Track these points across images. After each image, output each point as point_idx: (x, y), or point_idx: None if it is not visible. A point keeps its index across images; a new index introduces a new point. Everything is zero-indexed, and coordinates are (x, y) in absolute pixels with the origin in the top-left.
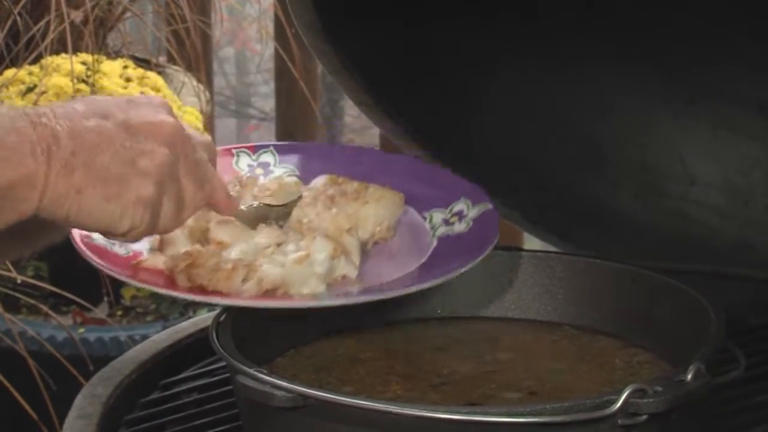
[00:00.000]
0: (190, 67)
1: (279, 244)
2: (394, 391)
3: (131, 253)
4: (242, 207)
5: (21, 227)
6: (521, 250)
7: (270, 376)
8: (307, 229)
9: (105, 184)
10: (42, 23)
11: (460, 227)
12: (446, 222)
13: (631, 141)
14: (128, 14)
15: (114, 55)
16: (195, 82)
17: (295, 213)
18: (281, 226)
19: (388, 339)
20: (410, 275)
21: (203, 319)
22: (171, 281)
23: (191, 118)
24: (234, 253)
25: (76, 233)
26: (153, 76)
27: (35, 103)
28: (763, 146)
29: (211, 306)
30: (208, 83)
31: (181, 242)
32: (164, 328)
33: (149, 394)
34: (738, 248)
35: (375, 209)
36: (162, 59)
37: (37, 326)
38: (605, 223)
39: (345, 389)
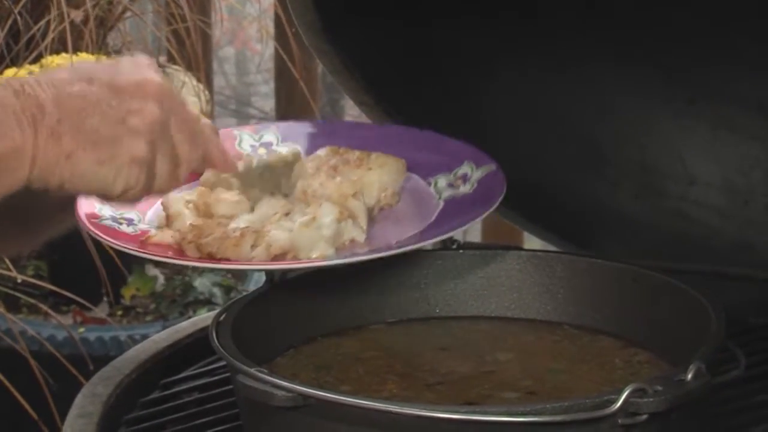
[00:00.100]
0: (190, 67)
1: (286, 214)
2: (390, 390)
3: (139, 231)
4: (241, 167)
5: (22, 216)
6: (521, 249)
7: (270, 376)
8: (312, 198)
9: (95, 146)
10: (42, 23)
11: (465, 189)
12: (451, 185)
13: (631, 141)
14: (128, 14)
15: (114, 54)
16: (195, 82)
17: (300, 184)
18: (287, 195)
19: (389, 338)
20: (418, 234)
21: (203, 318)
22: (180, 253)
23: None
24: (241, 222)
25: (83, 214)
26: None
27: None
28: (763, 146)
29: (214, 300)
30: (208, 83)
31: (187, 216)
32: (164, 327)
33: (149, 394)
34: (738, 248)
35: (379, 176)
36: (162, 59)
37: (37, 326)
38: (605, 223)
39: (343, 388)
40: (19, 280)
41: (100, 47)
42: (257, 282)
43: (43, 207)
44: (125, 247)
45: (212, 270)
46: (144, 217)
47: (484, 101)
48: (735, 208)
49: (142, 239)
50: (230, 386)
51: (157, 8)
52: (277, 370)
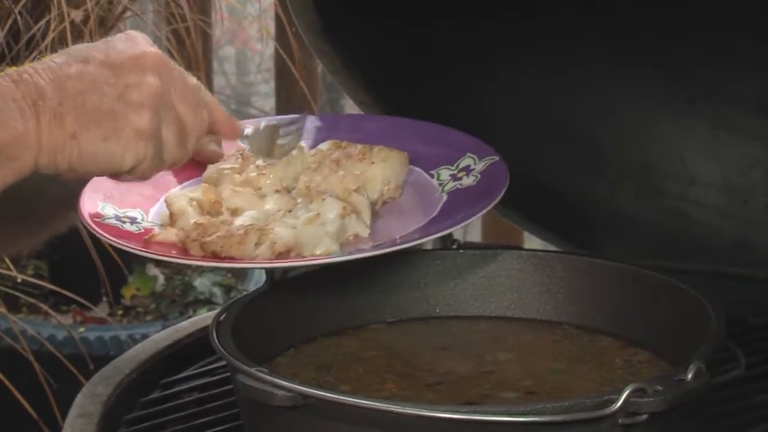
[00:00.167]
0: (190, 67)
1: (290, 210)
2: (389, 389)
3: (143, 230)
4: (248, 130)
5: (23, 214)
6: (521, 249)
7: (270, 376)
8: (315, 193)
9: (99, 124)
10: (42, 22)
11: (468, 180)
12: (454, 177)
13: (631, 141)
14: (128, 13)
15: None
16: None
17: (302, 178)
18: (287, 152)
19: (389, 338)
20: (422, 228)
21: (203, 318)
22: (184, 251)
23: None
24: (245, 220)
25: (86, 214)
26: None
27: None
28: (762, 146)
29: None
30: (208, 82)
31: (191, 215)
32: (164, 327)
33: (149, 394)
34: (738, 248)
35: (381, 169)
36: None
37: (37, 325)
38: (605, 223)
39: (342, 387)
40: (19, 280)
41: None
42: (257, 281)
43: (44, 204)
44: (129, 247)
45: (215, 269)
46: (147, 215)
47: (484, 101)
48: (735, 207)
49: (145, 238)
50: (230, 386)
51: (157, 8)
52: (277, 370)
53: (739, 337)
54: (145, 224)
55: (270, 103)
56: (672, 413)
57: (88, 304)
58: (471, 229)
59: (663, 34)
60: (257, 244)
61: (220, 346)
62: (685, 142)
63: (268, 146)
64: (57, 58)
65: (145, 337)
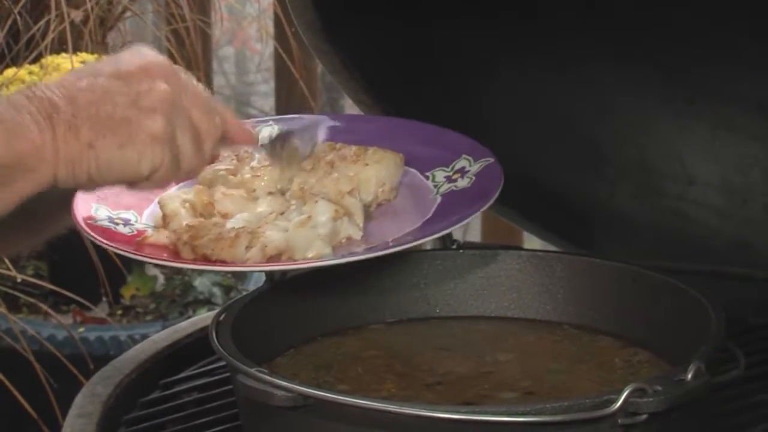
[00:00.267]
0: (189, 66)
1: (282, 213)
2: (388, 389)
3: (135, 232)
4: (264, 138)
5: (23, 215)
6: (521, 249)
7: (270, 376)
8: (308, 195)
9: (114, 131)
10: (42, 22)
11: (463, 182)
12: (449, 179)
13: (630, 141)
14: (128, 13)
15: (114, 54)
16: (195, 81)
17: (296, 180)
18: (303, 158)
19: (388, 338)
20: (415, 231)
21: (203, 318)
22: (175, 254)
23: None
24: (236, 222)
25: (80, 217)
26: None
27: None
28: (762, 146)
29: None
30: (208, 82)
31: (184, 216)
32: (164, 327)
33: (149, 394)
34: (737, 247)
35: (376, 171)
36: None
37: (37, 325)
38: (605, 223)
39: (341, 387)
40: (19, 280)
41: (100, 47)
42: (257, 282)
43: (43, 204)
44: (120, 249)
45: (210, 271)
46: (141, 216)
47: (484, 101)
48: (734, 207)
49: (138, 240)
50: (230, 386)
51: (157, 8)
52: (277, 370)
53: (739, 337)
54: (138, 226)
55: (269, 103)
56: (672, 413)
57: (87, 304)
58: (470, 229)
59: (663, 34)
60: (248, 247)
61: (219, 347)
62: (684, 142)
63: (289, 154)
64: (66, 76)
65: (144, 337)
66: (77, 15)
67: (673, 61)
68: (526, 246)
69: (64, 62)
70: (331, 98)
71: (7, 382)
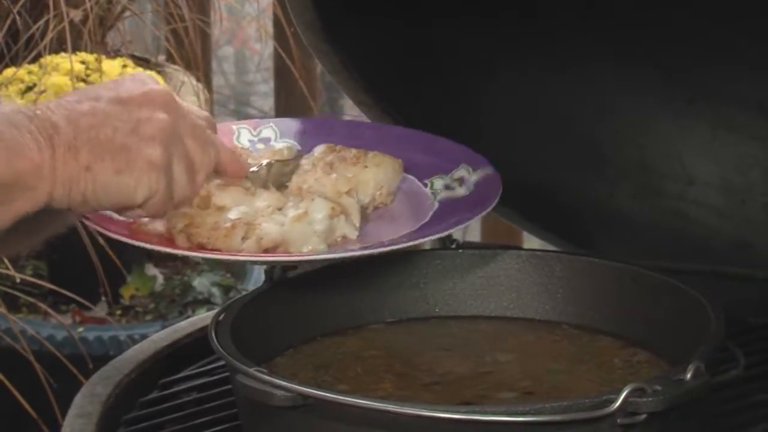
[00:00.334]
0: (189, 66)
1: (279, 208)
2: (385, 389)
3: (131, 219)
4: (254, 169)
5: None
6: (520, 249)
7: (269, 376)
8: (306, 194)
9: (112, 156)
10: (41, 22)
11: (461, 191)
12: (448, 187)
13: (630, 141)
14: (127, 13)
15: (113, 54)
16: (194, 81)
17: (295, 179)
18: (286, 183)
19: (388, 338)
20: (411, 233)
21: (202, 318)
22: (170, 241)
23: None
24: (233, 214)
25: None
26: (152, 75)
27: (35, 103)
28: (761, 146)
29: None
30: (207, 82)
31: None
32: (163, 327)
33: (148, 394)
34: (736, 247)
35: (374, 174)
36: (161, 58)
37: (36, 325)
38: (604, 223)
39: (340, 387)
40: (18, 280)
41: (100, 47)
42: (257, 281)
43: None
44: (115, 234)
45: (207, 264)
46: None
47: (484, 101)
48: (733, 207)
49: (133, 227)
50: (229, 386)
51: (156, 8)
52: (277, 370)
53: (739, 337)
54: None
55: (269, 103)
56: (671, 413)
57: (87, 303)
58: (470, 229)
59: (663, 34)
60: (244, 239)
61: (219, 346)
62: (684, 142)
63: (266, 179)
64: (68, 96)
65: (144, 337)
66: (76, 14)
67: (673, 61)
68: (526, 246)
69: (64, 62)
70: (330, 98)
71: (6, 382)
